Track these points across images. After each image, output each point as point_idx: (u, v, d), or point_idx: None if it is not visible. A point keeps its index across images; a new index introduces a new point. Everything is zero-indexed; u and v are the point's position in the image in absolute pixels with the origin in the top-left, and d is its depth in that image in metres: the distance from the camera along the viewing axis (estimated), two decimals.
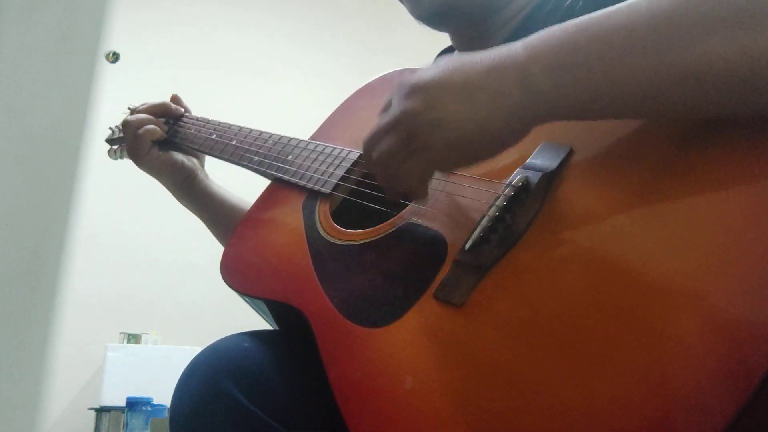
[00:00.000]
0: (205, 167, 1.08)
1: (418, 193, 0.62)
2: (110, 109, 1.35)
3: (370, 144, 0.61)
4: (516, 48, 0.54)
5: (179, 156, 1.02)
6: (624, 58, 0.49)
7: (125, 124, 1.02)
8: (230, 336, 0.69)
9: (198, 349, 0.69)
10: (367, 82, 0.90)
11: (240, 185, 1.08)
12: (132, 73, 3.23)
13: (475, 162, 0.57)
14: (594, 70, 0.50)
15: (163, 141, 1.03)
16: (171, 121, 1.05)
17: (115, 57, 3.17)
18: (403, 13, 0.83)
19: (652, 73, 0.48)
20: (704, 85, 0.46)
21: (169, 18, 3.54)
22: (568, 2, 0.73)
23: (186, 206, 1.05)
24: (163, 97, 1.10)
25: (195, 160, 1.04)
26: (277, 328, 0.77)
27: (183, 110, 1.08)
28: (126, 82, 3.10)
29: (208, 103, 2.31)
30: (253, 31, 3.70)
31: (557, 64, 0.51)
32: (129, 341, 2.96)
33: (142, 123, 1.01)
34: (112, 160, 1.17)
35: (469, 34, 0.84)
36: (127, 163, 1.08)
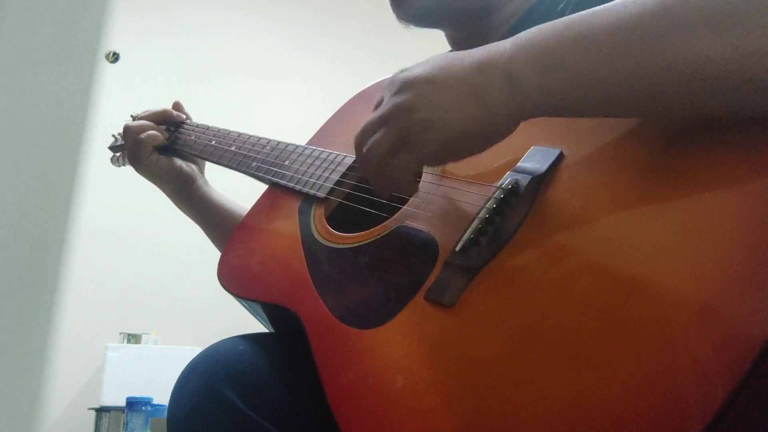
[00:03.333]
0: (206, 173, 1.08)
1: (407, 187, 0.62)
2: (110, 109, 1.35)
3: (361, 138, 0.62)
4: (503, 45, 0.55)
5: (179, 162, 1.03)
6: (609, 56, 0.50)
7: (126, 129, 1.03)
8: (226, 339, 0.69)
9: (198, 349, 0.69)
10: (363, 89, 0.90)
11: (239, 190, 1.08)
12: (132, 73, 3.23)
13: (463, 157, 0.58)
14: (580, 67, 0.51)
15: (163, 147, 1.04)
16: (172, 128, 1.06)
17: (115, 57, 3.17)
18: None
19: (638, 71, 0.48)
20: (690, 83, 0.47)
21: (170, 18, 3.54)
22: (560, 6, 0.74)
23: (184, 212, 1.06)
24: (163, 98, 1.11)
25: (194, 167, 1.05)
26: (273, 330, 0.78)
27: (184, 117, 1.08)
28: (126, 82, 3.10)
29: (208, 104, 2.31)
30: (253, 32, 3.70)
31: (543, 62, 0.52)
32: (129, 341, 2.96)
33: (142, 129, 1.02)
34: (111, 164, 1.17)
35: (462, 35, 0.85)
36: (129, 167, 1.08)
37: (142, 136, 1.01)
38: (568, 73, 0.51)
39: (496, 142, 0.57)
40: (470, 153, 0.58)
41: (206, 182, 1.05)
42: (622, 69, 0.49)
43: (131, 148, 1.02)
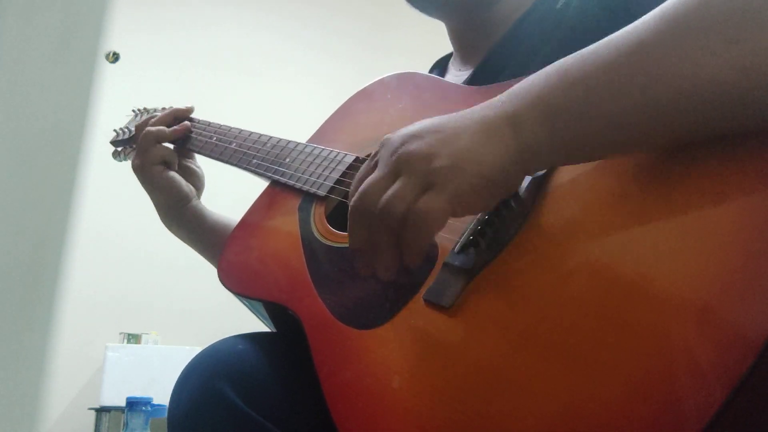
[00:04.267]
0: (207, 172, 1.07)
1: (425, 245, 0.54)
2: (110, 109, 1.35)
3: (370, 193, 0.54)
4: (501, 101, 0.53)
5: (180, 179, 1.00)
6: (610, 97, 0.48)
7: (146, 134, 1.00)
8: (226, 338, 0.69)
9: (198, 349, 0.69)
10: (364, 86, 0.90)
11: (240, 188, 1.08)
12: (132, 73, 3.23)
13: (487, 206, 0.54)
14: (583, 113, 0.50)
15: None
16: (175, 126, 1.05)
17: (115, 57, 3.18)
18: (403, 13, 0.83)
19: (642, 106, 0.47)
20: (696, 106, 0.46)
21: (169, 18, 3.54)
22: (559, 5, 0.74)
23: (173, 231, 1.02)
24: (163, 97, 1.10)
25: (192, 188, 1.02)
26: (274, 329, 0.78)
27: (192, 111, 1.08)
28: (126, 82, 3.10)
29: (209, 103, 2.31)
30: (253, 31, 3.70)
31: (545, 110, 0.51)
32: (129, 341, 2.96)
33: (161, 138, 1.00)
34: (113, 160, 1.17)
35: (463, 27, 0.85)
36: (128, 164, 1.08)
37: (157, 147, 0.99)
38: (573, 121, 0.50)
39: (513, 190, 0.54)
40: (494, 199, 0.54)
41: (200, 203, 1.03)
42: (626, 107, 0.48)
43: (144, 152, 0.99)
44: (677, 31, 0.46)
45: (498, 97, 0.54)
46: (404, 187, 0.52)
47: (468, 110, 0.55)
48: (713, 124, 0.47)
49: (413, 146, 0.53)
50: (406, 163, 0.53)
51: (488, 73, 0.78)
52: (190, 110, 1.06)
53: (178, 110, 1.06)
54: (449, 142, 0.52)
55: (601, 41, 0.51)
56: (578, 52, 0.51)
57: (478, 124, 0.53)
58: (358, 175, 0.58)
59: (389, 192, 0.53)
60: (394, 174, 0.53)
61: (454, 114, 0.55)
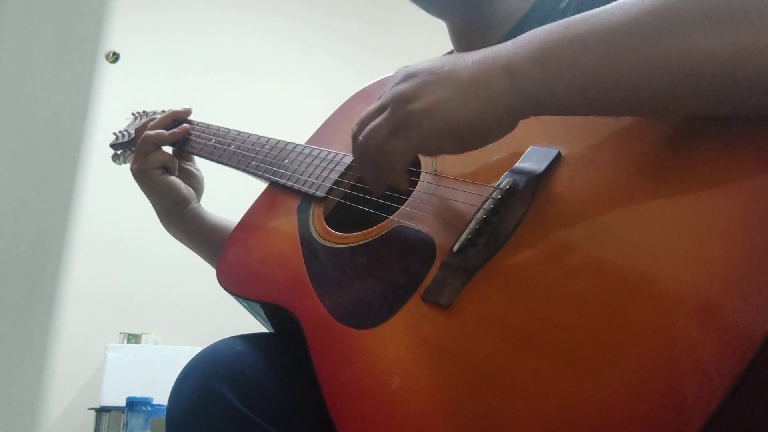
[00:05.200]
0: (206, 172, 1.07)
1: (400, 178, 0.62)
2: (110, 110, 1.35)
3: (360, 126, 0.63)
4: (505, 45, 0.56)
5: (179, 182, 1.00)
6: (609, 54, 0.50)
7: (145, 138, 1.00)
8: (225, 339, 0.69)
9: (198, 349, 0.69)
10: (363, 87, 0.90)
11: (239, 189, 1.07)
12: (132, 73, 3.23)
13: (458, 150, 0.58)
14: (580, 65, 0.51)
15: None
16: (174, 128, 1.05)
17: (115, 57, 3.18)
18: (403, 14, 0.83)
19: (638, 69, 0.49)
20: (690, 81, 0.47)
21: (169, 18, 3.54)
22: (562, 5, 0.74)
23: (173, 234, 1.02)
24: (163, 97, 1.10)
25: (191, 190, 1.02)
26: (273, 330, 0.78)
27: (190, 112, 1.07)
28: (126, 82, 3.10)
29: (208, 103, 2.31)
30: (253, 32, 3.70)
31: (543, 60, 0.53)
32: (129, 341, 2.96)
33: (161, 141, 1.00)
34: (111, 161, 1.17)
35: (463, 26, 0.85)
36: (128, 166, 1.08)
37: (156, 152, 0.99)
38: (569, 71, 0.51)
39: (493, 139, 0.57)
40: (466, 147, 0.58)
41: (199, 205, 1.02)
42: (623, 67, 0.49)
43: (143, 156, 0.99)
44: (680, 6, 0.47)
45: (505, 43, 0.56)
46: (380, 124, 0.60)
47: (472, 53, 0.57)
48: (703, 101, 0.47)
49: (403, 85, 0.59)
50: (391, 101, 0.59)
51: None
52: (188, 112, 1.06)
53: (176, 112, 1.05)
54: (434, 86, 0.57)
55: (608, 5, 0.52)
56: (584, 12, 0.53)
57: (473, 68, 0.56)
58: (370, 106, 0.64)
59: (370, 126, 0.61)
60: (381, 108, 0.61)
61: (459, 56, 0.58)
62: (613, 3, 0.52)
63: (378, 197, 0.69)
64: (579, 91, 0.52)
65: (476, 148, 0.58)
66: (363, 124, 0.62)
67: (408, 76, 0.59)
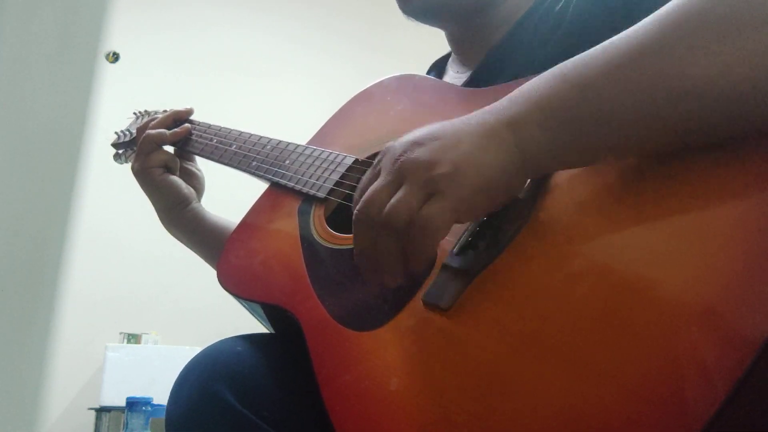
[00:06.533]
0: (206, 173, 1.07)
1: (430, 253, 0.54)
2: (110, 109, 1.35)
3: (373, 202, 0.55)
4: (501, 106, 0.54)
5: (180, 181, 1.00)
6: (610, 100, 0.49)
7: (146, 138, 1.00)
8: (224, 340, 0.69)
9: (198, 349, 0.69)
10: (363, 88, 0.90)
11: (240, 190, 1.07)
12: (132, 73, 3.23)
13: (490, 210, 0.55)
14: (583, 117, 0.50)
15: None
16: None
17: (115, 57, 3.18)
18: (403, 15, 0.83)
19: (642, 108, 0.48)
20: (697, 108, 0.46)
21: (169, 18, 3.54)
22: (558, 7, 0.74)
23: (173, 234, 1.02)
24: (163, 97, 1.10)
25: (192, 190, 1.02)
26: (273, 331, 0.78)
27: (192, 112, 1.07)
28: (126, 82, 3.10)
29: (208, 103, 2.31)
30: (253, 32, 3.70)
31: (545, 113, 0.51)
32: (129, 341, 2.96)
33: (162, 140, 1.00)
34: (113, 161, 1.17)
35: (461, 33, 0.85)
36: (129, 165, 1.08)
37: (158, 151, 0.99)
38: (574, 126, 0.50)
39: (515, 194, 0.55)
40: (497, 204, 0.54)
41: (200, 205, 1.02)
42: (627, 110, 0.48)
43: (143, 156, 0.99)
44: (677, 34, 0.47)
45: (499, 101, 0.54)
46: (408, 195, 0.53)
47: (468, 116, 0.55)
48: (715, 127, 0.47)
49: (415, 153, 0.53)
50: (409, 171, 0.53)
51: (487, 74, 0.78)
52: (189, 112, 1.06)
53: (178, 112, 1.05)
54: (450, 149, 0.53)
55: (601, 44, 0.51)
56: (578, 55, 0.52)
57: (478, 129, 0.53)
58: (361, 183, 0.58)
59: (393, 200, 0.53)
60: (397, 182, 0.54)
61: (455, 120, 0.55)
62: (602, 45, 0.51)
63: (392, 286, 0.58)
64: (592, 144, 0.51)
65: (501, 205, 0.55)
66: (376, 199, 0.54)
67: (413, 145, 0.54)
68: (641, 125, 0.48)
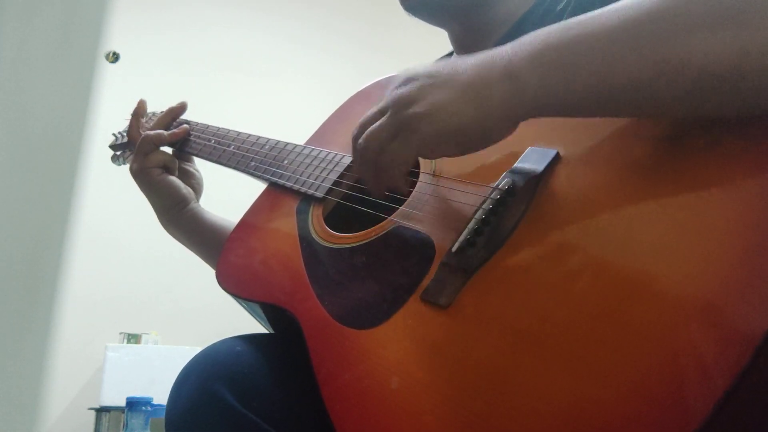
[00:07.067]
0: (205, 173, 1.07)
1: (400, 181, 0.62)
2: (110, 109, 1.35)
3: (360, 129, 0.63)
4: (504, 48, 0.56)
5: (178, 182, 1.00)
6: (609, 56, 0.50)
7: (145, 139, 0.99)
8: (224, 340, 0.69)
9: (198, 349, 0.69)
10: (362, 88, 0.90)
11: (239, 190, 1.07)
12: (132, 73, 3.23)
13: (458, 153, 0.58)
14: (579, 66, 0.51)
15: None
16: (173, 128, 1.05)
17: (115, 57, 3.17)
18: (403, 14, 0.83)
19: (638, 70, 0.48)
20: (690, 82, 0.47)
21: (169, 18, 3.54)
22: (560, 6, 0.74)
23: (172, 234, 1.02)
24: (163, 97, 1.10)
25: (191, 191, 1.02)
26: (272, 331, 0.78)
27: (185, 109, 1.07)
28: (126, 82, 3.10)
29: (208, 103, 2.31)
30: (253, 32, 3.70)
31: (543, 61, 0.53)
32: (129, 341, 2.96)
33: (160, 141, 1.00)
34: (112, 162, 1.17)
35: (462, 31, 0.85)
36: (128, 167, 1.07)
37: (156, 152, 0.99)
38: (568, 73, 0.51)
39: (493, 142, 0.57)
40: (466, 149, 0.58)
41: (199, 206, 1.02)
42: (622, 69, 0.49)
43: (142, 156, 0.99)
44: (680, 7, 0.47)
45: (505, 46, 0.56)
46: (381, 128, 0.60)
47: (477, 54, 0.57)
48: (705, 102, 0.47)
49: (403, 88, 0.59)
50: (391, 104, 0.59)
51: None
52: (183, 106, 1.06)
53: (172, 109, 1.06)
54: (435, 90, 0.57)
55: (608, 6, 0.52)
56: (582, 15, 0.53)
57: (472, 71, 0.56)
58: (369, 112, 0.64)
59: (372, 127, 0.61)
60: (382, 111, 0.61)
61: (459, 60, 0.58)
62: (613, 5, 0.52)
63: (378, 199, 0.69)
64: (578, 92, 0.52)
65: (476, 151, 0.58)
66: (364, 127, 0.62)
67: (408, 80, 0.59)
68: (637, 89, 0.49)
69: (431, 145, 0.58)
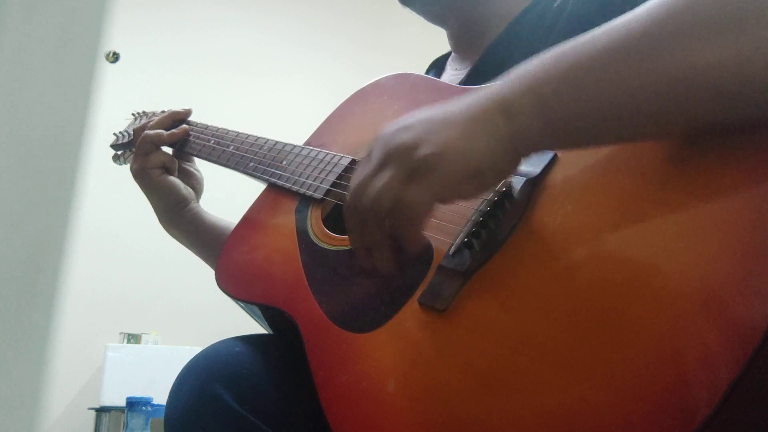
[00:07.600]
0: (205, 173, 1.07)
1: (419, 233, 0.56)
2: (110, 109, 1.35)
3: (357, 191, 0.56)
4: (496, 85, 0.54)
5: (178, 182, 1.00)
6: (603, 83, 0.48)
7: (145, 139, 1.00)
8: (223, 340, 0.69)
9: (198, 349, 0.69)
10: (360, 88, 0.90)
11: (238, 190, 1.07)
12: (132, 73, 3.23)
13: (480, 193, 0.56)
14: (576, 99, 0.50)
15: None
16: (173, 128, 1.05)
17: (115, 57, 3.17)
18: (402, 13, 0.83)
19: (637, 89, 0.47)
20: (691, 93, 0.46)
21: (169, 18, 3.54)
22: (557, 3, 0.74)
23: (172, 234, 1.02)
24: (163, 97, 1.10)
25: (191, 191, 1.02)
26: (271, 332, 0.78)
27: (189, 112, 1.07)
28: (126, 82, 3.10)
29: (208, 103, 2.31)
30: (253, 32, 3.70)
31: (539, 96, 0.51)
32: (129, 341, 2.96)
33: (160, 140, 1.00)
34: (112, 162, 1.17)
35: (458, 27, 0.85)
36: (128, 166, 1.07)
37: (156, 152, 0.99)
38: (566, 105, 0.50)
39: (504, 176, 0.55)
40: (483, 187, 0.55)
41: (199, 206, 1.02)
42: (623, 91, 0.48)
43: (142, 156, 0.99)
44: (674, 19, 0.46)
45: (493, 83, 0.54)
46: (390, 179, 0.54)
47: (462, 99, 0.55)
48: (710, 112, 0.46)
49: (401, 137, 0.54)
50: (393, 155, 0.54)
51: (484, 71, 0.78)
52: (188, 112, 1.06)
53: (176, 113, 1.05)
54: (437, 131, 0.53)
55: (596, 29, 0.50)
56: (573, 39, 0.51)
57: (470, 110, 0.54)
58: (355, 174, 0.59)
59: (378, 184, 0.54)
60: (382, 167, 0.55)
61: (449, 104, 0.56)
62: (605, 25, 0.50)
63: (386, 272, 0.60)
64: (581, 124, 0.50)
65: (490, 188, 0.55)
66: (361, 187, 0.56)
67: (401, 130, 0.55)
68: (635, 111, 0.48)
69: (450, 186, 0.53)
